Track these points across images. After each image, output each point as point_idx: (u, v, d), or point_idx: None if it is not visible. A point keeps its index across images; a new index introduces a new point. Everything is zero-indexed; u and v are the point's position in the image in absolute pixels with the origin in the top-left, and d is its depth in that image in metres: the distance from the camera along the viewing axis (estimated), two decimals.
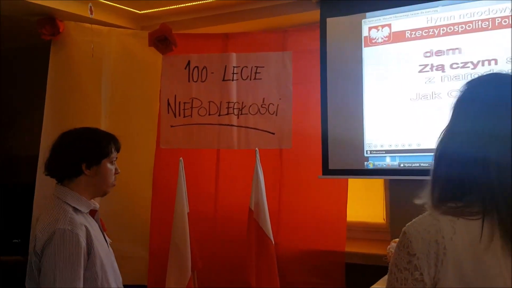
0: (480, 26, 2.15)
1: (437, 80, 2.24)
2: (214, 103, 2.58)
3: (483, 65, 2.14)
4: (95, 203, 1.60)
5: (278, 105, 2.49)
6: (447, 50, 2.21)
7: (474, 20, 2.16)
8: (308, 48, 2.58)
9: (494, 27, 2.12)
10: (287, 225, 2.65)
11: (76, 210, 1.51)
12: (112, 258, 1.60)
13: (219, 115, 2.57)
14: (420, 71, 2.27)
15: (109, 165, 1.59)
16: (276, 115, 2.49)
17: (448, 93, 2.21)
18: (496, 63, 2.11)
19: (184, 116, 2.60)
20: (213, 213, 2.74)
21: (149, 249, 2.69)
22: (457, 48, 2.19)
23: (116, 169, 1.63)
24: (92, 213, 1.58)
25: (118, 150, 1.64)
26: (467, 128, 1.00)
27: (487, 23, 2.13)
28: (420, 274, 0.95)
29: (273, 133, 2.49)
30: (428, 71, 2.25)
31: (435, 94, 2.23)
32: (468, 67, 2.16)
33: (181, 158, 2.50)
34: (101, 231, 1.60)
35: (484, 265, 0.92)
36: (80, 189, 1.55)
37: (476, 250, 0.92)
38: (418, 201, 1.04)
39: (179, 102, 2.61)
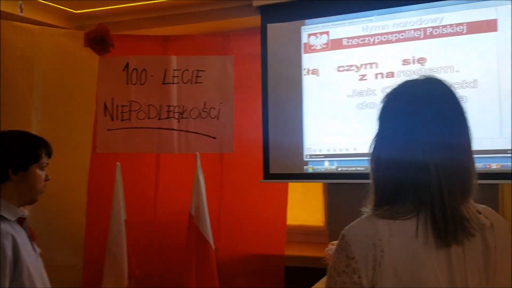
0: (413, 36, 2.25)
1: (373, 88, 2.31)
2: (154, 106, 2.53)
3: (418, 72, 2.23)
4: (24, 211, 1.50)
5: (219, 109, 2.47)
6: (381, 58, 2.30)
7: (407, 30, 2.25)
8: (249, 53, 2.60)
9: (426, 37, 2.22)
10: (228, 230, 2.64)
11: (1, 218, 1.41)
12: (41, 268, 1.51)
13: (159, 119, 2.51)
14: (358, 80, 2.34)
15: (38, 171, 1.51)
16: (217, 119, 2.47)
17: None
18: (435, 71, 2.20)
19: (122, 120, 2.52)
20: (152, 219, 2.69)
21: (83, 258, 2.59)
22: (391, 57, 2.28)
23: (46, 176, 1.55)
24: (20, 221, 1.49)
25: (49, 156, 1.56)
26: (394, 133, 1.03)
27: (419, 32, 2.24)
28: (358, 277, 0.97)
29: (214, 137, 2.47)
30: (365, 80, 2.32)
31: (372, 103, 2.31)
32: (399, 76, 2.26)
33: (118, 163, 2.43)
34: (30, 240, 1.51)
35: (419, 264, 0.95)
36: (6, 195, 1.46)
37: (412, 250, 0.95)
38: (364, 209, 1.06)
39: (117, 105, 2.53)
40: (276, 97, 2.48)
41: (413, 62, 2.24)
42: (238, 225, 2.63)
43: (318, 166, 2.44)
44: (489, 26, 2.11)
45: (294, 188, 2.68)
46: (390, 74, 2.27)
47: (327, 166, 2.42)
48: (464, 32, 2.15)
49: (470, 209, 0.99)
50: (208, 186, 2.50)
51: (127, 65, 2.50)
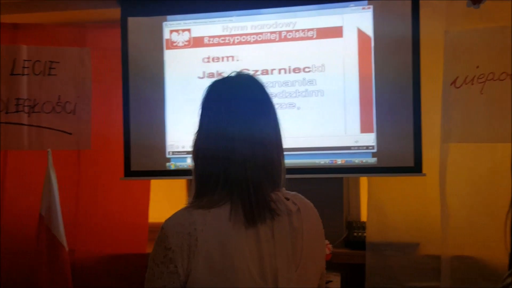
0: (269, 38, 2.36)
1: None
2: (1, 99, 2.32)
3: (271, 73, 2.34)
4: None
5: (75, 103, 2.35)
6: (241, 58, 2.37)
7: (264, 32, 2.36)
8: (109, 46, 2.51)
9: (281, 39, 2.35)
10: (86, 230, 2.54)
11: None
12: None
13: (7, 113, 2.32)
14: (218, 77, 2.39)
15: None
16: (73, 114, 2.35)
17: None
18: (287, 72, 2.33)
19: None
20: None
21: None
22: (250, 57, 2.36)
23: None
24: None
25: None
26: (209, 129, 1.11)
27: (275, 35, 2.35)
28: (174, 266, 1.01)
29: (70, 133, 2.35)
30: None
31: None
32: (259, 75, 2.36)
33: None
34: None
35: (230, 245, 1.02)
36: None
37: (224, 234, 1.03)
38: (189, 200, 1.11)
39: None
40: (138, 93, 2.43)
41: (269, 63, 2.34)
42: (97, 224, 2.54)
43: (181, 162, 2.44)
44: (336, 32, 2.30)
45: (157, 185, 2.66)
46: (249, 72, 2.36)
47: (189, 162, 2.44)
48: (314, 37, 2.31)
49: (279, 196, 1.10)
50: (64, 185, 2.38)
51: None
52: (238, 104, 1.10)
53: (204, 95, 1.16)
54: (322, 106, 2.29)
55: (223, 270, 1.00)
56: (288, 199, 1.11)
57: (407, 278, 2.22)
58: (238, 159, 1.05)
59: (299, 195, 1.17)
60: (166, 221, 1.07)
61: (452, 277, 2.12)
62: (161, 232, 1.05)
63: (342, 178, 2.39)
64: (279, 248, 1.05)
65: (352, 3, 2.28)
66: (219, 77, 1.18)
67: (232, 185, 1.05)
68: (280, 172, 1.12)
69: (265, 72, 2.34)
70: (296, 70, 2.32)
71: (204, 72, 2.40)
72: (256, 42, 2.36)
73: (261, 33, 2.36)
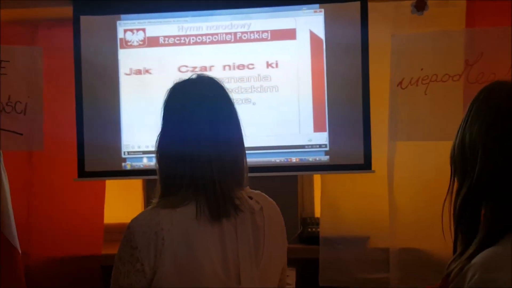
0: (224, 39, 2.39)
1: None
2: None
3: (225, 70, 2.37)
4: None
5: (26, 103, 2.30)
6: (195, 59, 2.39)
7: (219, 33, 2.39)
8: (61, 46, 2.46)
9: (236, 41, 2.38)
10: (40, 232, 2.48)
11: None
12: None
13: None
14: (173, 78, 2.39)
15: None
16: (24, 114, 2.30)
17: None
18: (242, 68, 2.36)
19: None
20: None
21: None
22: (204, 58, 2.39)
23: None
24: None
25: None
26: (173, 130, 1.15)
27: (230, 36, 2.39)
28: (141, 265, 1.04)
29: (21, 134, 2.29)
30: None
31: None
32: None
33: None
34: None
35: (195, 242, 1.06)
36: None
37: (190, 231, 1.07)
38: (153, 200, 1.13)
39: None
40: (91, 92, 2.40)
41: (225, 64, 2.38)
42: (51, 227, 2.48)
43: (137, 162, 2.44)
44: (289, 34, 2.36)
45: (113, 186, 2.64)
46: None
47: (145, 162, 2.44)
48: (269, 38, 2.36)
49: (242, 194, 1.14)
50: (16, 187, 2.32)
51: None
52: (201, 106, 1.13)
53: (166, 97, 1.19)
54: (277, 103, 2.34)
55: (189, 268, 1.03)
56: (251, 198, 1.15)
57: (358, 270, 2.32)
58: (203, 160, 1.09)
59: (262, 194, 1.22)
60: (132, 220, 1.09)
61: (400, 269, 2.24)
62: (128, 231, 1.07)
63: (296, 175, 2.46)
64: (242, 245, 1.09)
65: (304, 6, 2.35)
66: (180, 79, 1.21)
67: (198, 185, 1.09)
68: (244, 171, 1.17)
69: (223, 68, 2.37)
70: (250, 66, 2.36)
71: (159, 73, 2.41)
72: (211, 42, 2.39)
73: (216, 34, 2.39)
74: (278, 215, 1.23)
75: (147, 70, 2.41)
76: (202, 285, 1.04)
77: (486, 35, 2.17)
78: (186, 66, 2.39)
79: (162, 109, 1.18)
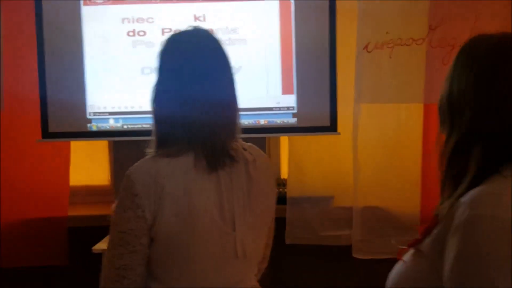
0: None
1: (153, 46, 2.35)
2: None
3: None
4: None
5: None
6: (162, 15, 2.34)
7: None
8: None
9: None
10: (4, 195, 2.41)
11: None
12: None
13: None
14: (138, 35, 2.35)
15: None
16: None
17: None
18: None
19: None
20: None
21: None
22: (172, 15, 2.34)
23: None
24: None
25: None
26: (169, 84, 1.18)
27: None
28: (142, 211, 1.08)
29: None
30: (145, 35, 2.35)
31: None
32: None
33: None
34: None
35: (194, 190, 1.11)
36: None
37: (188, 179, 1.13)
38: (147, 150, 1.15)
39: None
40: (54, 50, 2.32)
41: (194, 21, 2.34)
42: (15, 189, 2.43)
43: (103, 123, 2.40)
44: None
45: (78, 147, 2.59)
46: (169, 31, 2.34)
47: (112, 123, 2.40)
48: None
49: (237, 146, 1.20)
50: None
51: None
52: (199, 61, 1.16)
53: (162, 50, 1.20)
54: (246, 61, 2.32)
55: (188, 213, 1.09)
56: (245, 150, 1.19)
57: (323, 229, 2.41)
58: (201, 115, 1.12)
59: (254, 146, 1.26)
60: (131, 169, 1.12)
61: (362, 226, 2.34)
62: (127, 179, 1.11)
63: (264, 138, 2.49)
64: (236, 194, 1.15)
65: None
66: (177, 32, 1.22)
67: (196, 137, 1.13)
68: (238, 125, 1.22)
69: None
70: (222, 29, 2.33)
71: (125, 31, 2.35)
72: (177, 0, 2.34)
73: None
74: (269, 167, 1.29)
75: (111, 29, 2.35)
76: (201, 230, 1.09)
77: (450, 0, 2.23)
78: (150, 22, 2.34)
79: (159, 59, 1.20)
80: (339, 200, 2.43)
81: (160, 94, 1.18)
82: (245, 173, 1.18)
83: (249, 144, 1.27)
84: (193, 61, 1.15)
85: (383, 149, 2.35)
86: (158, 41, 2.30)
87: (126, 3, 2.34)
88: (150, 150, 1.17)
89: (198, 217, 1.09)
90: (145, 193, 1.07)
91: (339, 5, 2.32)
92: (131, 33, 2.35)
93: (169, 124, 1.15)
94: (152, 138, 1.18)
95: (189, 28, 1.22)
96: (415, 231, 2.33)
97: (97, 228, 2.35)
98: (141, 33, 2.35)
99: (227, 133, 1.18)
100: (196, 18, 2.33)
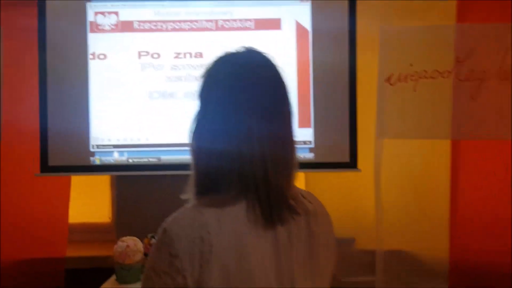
0: (205, 26, 2.24)
1: (169, 77, 2.23)
2: None
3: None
4: None
5: None
6: (174, 46, 2.23)
7: (199, 20, 2.23)
8: (24, 27, 2.24)
9: (218, 29, 2.23)
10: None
11: None
12: None
13: None
14: (149, 68, 2.22)
15: None
16: None
17: (179, 91, 2.22)
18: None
19: None
20: None
21: None
22: (183, 46, 2.23)
23: None
24: None
25: None
26: (216, 117, 0.93)
27: (212, 23, 2.23)
28: (183, 277, 0.85)
29: None
30: (158, 68, 2.22)
31: (167, 93, 2.22)
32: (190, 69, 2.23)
33: None
34: None
35: (247, 250, 0.88)
36: None
37: (241, 236, 0.87)
38: (183, 196, 0.94)
39: None
40: (57, 80, 2.20)
41: (202, 54, 2.23)
42: (11, 227, 2.26)
43: (107, 157, 2.25)
44: (274, 24, 2.23)
45: (77, 181, 2.43)
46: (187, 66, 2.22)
47: (116, 157, 2.25)
48: (252, 28, 2.23)
49: (296, 193, 0.97)
50: None
51: None
52: (255, 88, 0.94)
53: (207, 75, 0.98)
54: None
55: (241, 279, 0.85)
56: (304, 197, 0.99)
57: (344, 274, 2.23)
58: (256, 153, 0.90)
59: (312, 194, 1.05)
60: (169, 221, 0.89)
61: (386, 272, 2.15)
62: (164, 234, 0.87)
63: None
64: (296, 253, 0.93)
65: None
66: (225, 54, 0.98)
67: (249, 183, 0.90)
68: (294, 166, 0.98)
69: (199, 55, 2.23)
70: None
71: (134, 59, 2.23)
72: (191, 29, 2.23)
73: (196, 21, 2.23)
74: (330, 220, 1.06)
75: (118, 58, 2.23)
76: None
77: (477, 31, 2.11)
78: (158, 54, 2.22)
79: (201, 88, 0.97)
80: (361, 242, 2.26)
81: (206, 131, 0.95)
82: (305, 228, 0.95)
83: (307, 191, 1.05)
84: (251, 93, 0.93)
85: (407, 187, 2.20)
86: (168, 64, 2.23)
87: (136, 31, 2.23)
88: (187, 196, 0.94)
89: (252, 285, 0.87)
90: (188, 254, 0.85)
91: (360, 33, 2.21)
92: (141, 64, 2.22)
93: (217, 169, 0.92)
94: (190, 182, 0.95)
95: (240, 49, 0.99)
96: (444, 278, 2.18)
97: (96, 270, 2.20)
98: (155, 56, 2.23)
99: (286, 177, 0.95)
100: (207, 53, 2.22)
